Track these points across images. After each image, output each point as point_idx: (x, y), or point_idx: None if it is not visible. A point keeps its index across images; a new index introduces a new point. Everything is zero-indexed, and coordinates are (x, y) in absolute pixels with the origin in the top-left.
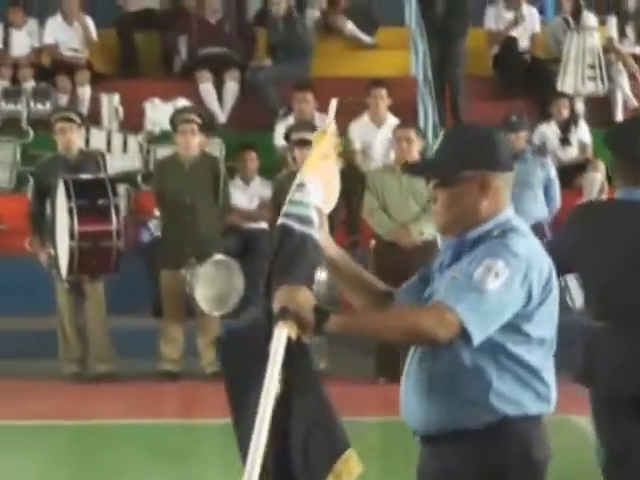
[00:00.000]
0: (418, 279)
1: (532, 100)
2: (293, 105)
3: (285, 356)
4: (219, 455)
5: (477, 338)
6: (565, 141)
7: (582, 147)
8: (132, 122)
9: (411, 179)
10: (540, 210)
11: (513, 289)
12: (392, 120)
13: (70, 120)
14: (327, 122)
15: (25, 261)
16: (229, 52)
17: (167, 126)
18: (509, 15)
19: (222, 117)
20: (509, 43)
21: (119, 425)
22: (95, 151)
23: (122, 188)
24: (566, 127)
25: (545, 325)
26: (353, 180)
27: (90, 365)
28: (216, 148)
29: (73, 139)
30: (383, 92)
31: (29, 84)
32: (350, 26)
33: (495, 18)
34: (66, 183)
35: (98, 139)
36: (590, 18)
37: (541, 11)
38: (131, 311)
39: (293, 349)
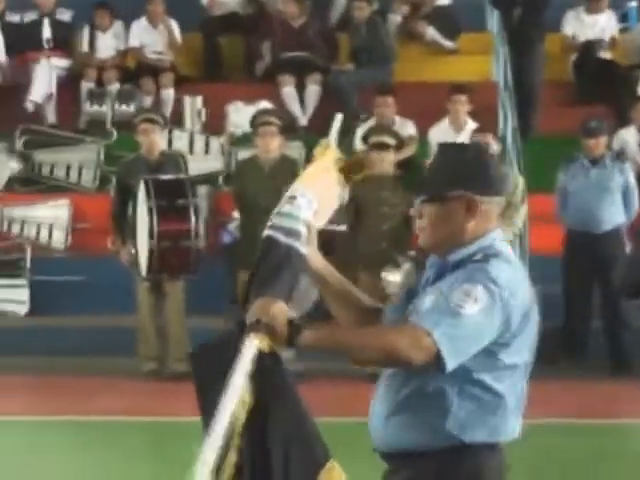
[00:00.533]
0: (405, 296)
1: (611, 106)
2: (374, 109)
3: (257, 368)
4: None
5: (450, 364)
6: None
7: None
8: (214, 124)
9: None
10: (618, 215)
11: (491, 316)
12: (471, 125)
13: (153, 121)
14: (330, 138)
15: (107, 259)
16: (312, 56)
17: (249, 128)
18: (590, 19)
19: (303, 120)
20: (588, 48)
21: (196, 423)
22: (176, 152)
23: (203, 189)
24: None
25: (521, 353)
26: None
27: (169, 364)
28: (297, 151)
29: (156, 140)
30: (463, 98)
31: (114, 86)
32: (431, 31)
33: (575, 23)
34: (147, 183)
35: (181, 141)
36: None
37: (624, 18)
38: (211, 312)
39: (265, 361)
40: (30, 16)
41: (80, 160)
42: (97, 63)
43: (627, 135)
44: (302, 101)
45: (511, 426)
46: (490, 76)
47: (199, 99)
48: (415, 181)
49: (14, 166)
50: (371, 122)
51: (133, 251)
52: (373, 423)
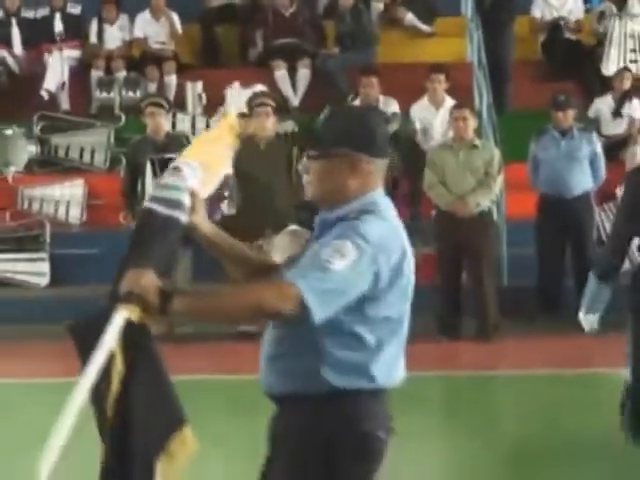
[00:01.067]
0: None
1: (578, 82)
2: (359, 89)
3: (127, 337)
4: None
5: (318, 316)
6: (617, 114)
7: (631, 121)
8: (214, 107)
9: (468, 155)
10: (586, 182)
11: (358, 271)
12: (449, 102)
13: (159, 105)
14: (229, 112)
15: (119, 233)
16: (301, 42)
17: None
18: (556, 2)
19: (295, 101)
20: (555, 29)
21: (202, 380)
22: (180, 133)
23: None
24: (622, 100)
25: (394, 305)
26: (414, 157)
27: (176, 327)
28: (290, 129)
29: (161, 123)
30: (441, 77)
31: (121, 74)
32: (410, 17)
33: (543, 5)
34: (153, 162)
35: (183, 123)
36: (636, 6)
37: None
38: (216, 280)
39: (134, 330)
40: (43, 11)
41: (92, 143)
42: (105, 53)
43: (602, 104)
44: (294, 84)
45: (390, 374)
46: (465, 57)
47: (199, 84)
48: (304, 139)
49: (32, 149)
50: (357, 101)
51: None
52: (260, 366)
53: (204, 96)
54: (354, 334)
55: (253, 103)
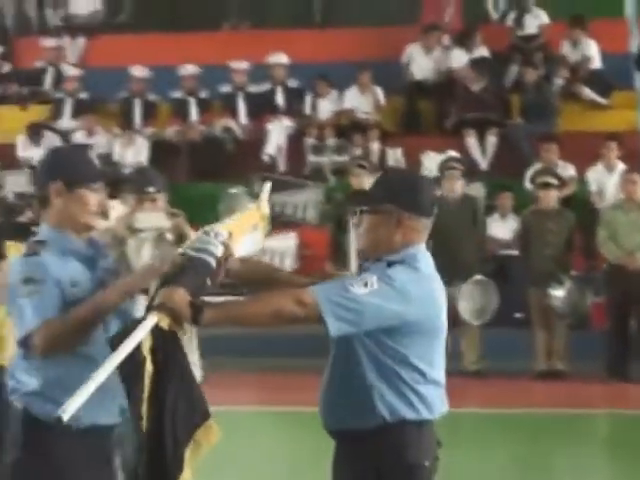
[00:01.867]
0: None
1: None
2: (541, 155)
3: (156, 341)
4: (476, 440)
5: (332, 327)
6: None
7: None
8: (411, 170)
9: (637, 215)
10: None
11: (378, 302)
12: (621, 167)
13: (363, 167)
14: (261, 202)
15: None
16: (490, 114)
17: (437, 172)
18: None
19: (484, 165)
20: None
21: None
22: None
23: None
24: None
25: (428, 346)
26: (589, 216)
27: None
28: (478, 190)
29: (365, 182)
30: (614, 145)
31: (331, 141)
32: (587, 91)
33: None
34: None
35: None
36: None
37: None
38: None
39: (164, 336)
40: (266, 86)
41: (305, 201)
42: (318, 123)
43: None
44: (483, 150)
45: (433, 407)
46: (637, 126)
47: (399, 150)
48: (356, 196)
49: (253, 207)
50: (538, 165)
51: (347, 272)
52: (319, 405)
53: (403, 160)
54: (395, 372)
55: (444, 167)
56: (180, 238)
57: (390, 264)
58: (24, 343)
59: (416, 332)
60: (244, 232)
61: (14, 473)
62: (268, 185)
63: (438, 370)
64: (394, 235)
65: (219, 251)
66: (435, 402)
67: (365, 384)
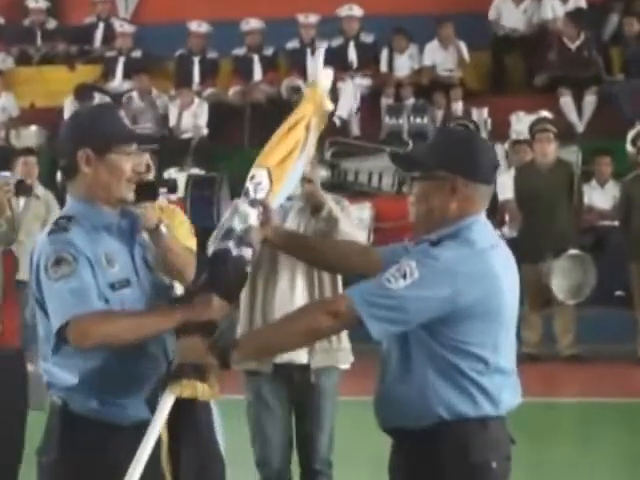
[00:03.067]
0: (401, 247)
1: None
2: None
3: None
4: (572, 430)
5: (374, 329)
6: None
7: None
8: (499, 132)
9: None
10: None
11: (421, 292)
12: None
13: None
14: (317, 72)
15: None
16: (587, 70)
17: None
18: None
19: (580, 127)
20: None
21: None
22: None
23: None
24: None
25: (489, 333)
26: None
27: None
28: (574, 154)
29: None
30: None
31: (409, 101)
32: None
33: None
34: None
35: None
36: None
37: None
38: None
39: (181, 408)
40: (337, 41)
41: (381, 167)
42: (395, 81)
43: None
44: (579, 110)
45: (498, 402)
46: None
47: (485, 110)
48: (404, 158)
49: (323, 174)
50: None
51: None
52: (374, 402)
53: (489, 121)
54: (454, 365)
55: (535, 129)
56: (316, 208)
57: (436, 242)
58: (61, 331)
59: (474, 316)
60: (289, 162)
61: (51, 474)
62: (321, 51)
63: (505, 357)
64: (448, 205)
65: (253, 219)
66: (502, 395)
67: (418, 378)
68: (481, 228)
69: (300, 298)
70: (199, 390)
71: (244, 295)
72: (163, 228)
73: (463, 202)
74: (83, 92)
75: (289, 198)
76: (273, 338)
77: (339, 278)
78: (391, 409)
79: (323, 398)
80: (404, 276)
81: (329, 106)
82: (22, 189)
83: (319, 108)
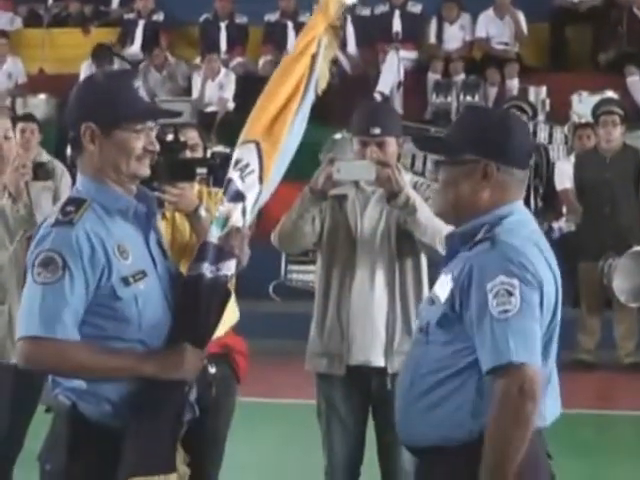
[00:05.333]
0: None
1: None
2: None
3: None
4: (631, 447)
5: (537, 363)
6: None
7: None
8: (558, 114)
9: None
10: None
11: (530, 298)
12: None
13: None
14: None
15: None
16: None
17: (591, 118)
18: None
19: None
20: None
21: None
22: None
23: None
24: None
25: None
26: None
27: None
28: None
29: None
30: None
31: (460, 77)
32: None
33: None
34: None
35: None
36: None
37: None
38: None
39: None
40: (381, 8)
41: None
42: (444, 54)
43: None
44: None
45: (546, 407)
46: None
47: (544, 89)
48: (431, 141)
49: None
50: None
51: None
52: (396, 418)
53: (548, 102)
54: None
55: (599, 111)
56: (392, 195)
57: (490, 237)
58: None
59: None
60: (287, 115)
61: None
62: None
63: (551, 362)
64: (479, 192)
65: (236, 218)
66: (546, 404)
67: (456, 393)
68: (524, 217)
69: (380, 293)
70: None
71: (318, 286)
72: (202, 212)
73: (496, 189)
74: (102, 53)
75: (370, 184)
76: (501, 456)
77: (423, 269)
78: (419, 426)
79: None
80: (510, 294)
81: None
82: (41, 172)
83: (333, 17)
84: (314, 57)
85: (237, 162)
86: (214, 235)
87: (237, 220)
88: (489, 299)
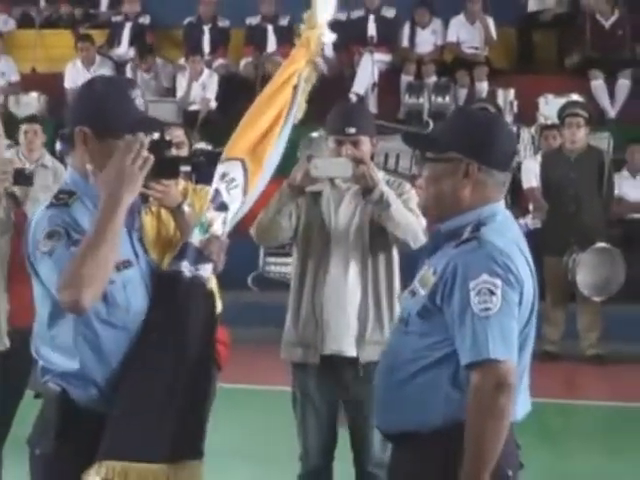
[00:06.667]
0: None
1: None
2: None
3: None
4: (593, 435)
5: (513, 359)
6: None
7: None
8: (525, 115)
9: None
10: None
11: (510, 298)
12: None
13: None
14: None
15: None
16: (621, 51)
17: (557, 120)
18: None
19: (612, 112)
20: None
21: None
22: None
23: None
24: None
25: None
26: None
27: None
28: (604, 142)
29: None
30: None
31: (431, 79)
32: None
33: None
34: None
35: None
36: None
37: None
38: None
39: None
40: (357, 13)
41: (398, 148)
42: (416, 57)
43: None
44: (611, 94)
45: (519, 401)
46: None
47: (512, 91)
48: (416, 137)
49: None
50: None
51: None
52: (375, 404)
53: (516, 103)
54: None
55: (565, 113)
56: (367, 190)
57: (475, 236)
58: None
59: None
60: (270, 138)
61: (44, 467)
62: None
63: (527, 357)
64: (461, 190)
65: (217, 226)
66: (519, 399)
67: (428, 380)
68: (505, 217)
69: (353, 285)
70: None
71: (294, 278)
72: (186, 207)
73: (476, 188)
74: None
75: (345, 181)
76: (478, 447)
77: (394, 262)
78: (395, 412)
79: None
80: (492, 292)
81: (327, 38)
82: (22, 178)
83: (314, 53)
84: (295, 88)
85: (224, 175)
86: (196, 238)
87: (217, 229)
88: (471, 296)
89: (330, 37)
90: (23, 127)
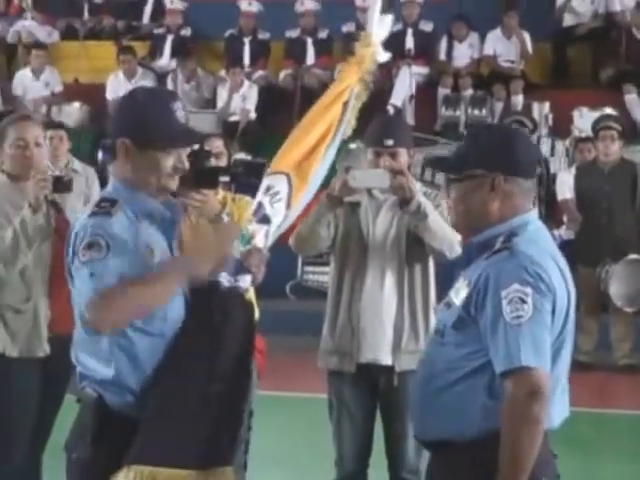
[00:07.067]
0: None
1: None
2: None
3: None
4: (625, 444)
5: (546, 368)
6: None
7: None
8: (560, 128)
9: None
10: None
11: (542, 306)
12: None
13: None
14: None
15: None
16: None
17: (591, 133)
18: None
19: None
20: None
21: None
22: None
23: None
24: None
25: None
26: None
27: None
28: (638, 155)
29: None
30: None
31: (468, 92)
32: None
33: None
34: None
35: None
36: None
37: None
38: None
39: None
40: (395, 27)
41: None
42: (453, 70)
43: None
44: None
45: (555, 409)
46: None
47: (547, 104)
48: (439, 161)
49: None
50: None
51: None
52: (411, 413)
53: (550, 117)
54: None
55: (599, 126)
56: (404, 201)
57: (507, 246)
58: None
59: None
60: (317, 154)
61: (81, 471)
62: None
63: (562, 365)
64: (489, 203)
65: (260, 238)
66: (554, 407)
67: (465, 389)
68: (537, 227)
69: (389, 294)
70: None
71: (331, 287)
72: (225, 217)
73: (505, 199)
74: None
75: (382, 192)
76: (513, 454)
77: (430, 273)
78: (432, 420)
79: (408, 403)
80: (523, 301)
81: (381, 57)
82: (60, 185)
83: (366, 71)
84: (345, 105)
85: (268, 188)
86: (236, 249)
87: (259, 241)
88: (503, 305)
89: (384, 56)
90: (48, 133)
